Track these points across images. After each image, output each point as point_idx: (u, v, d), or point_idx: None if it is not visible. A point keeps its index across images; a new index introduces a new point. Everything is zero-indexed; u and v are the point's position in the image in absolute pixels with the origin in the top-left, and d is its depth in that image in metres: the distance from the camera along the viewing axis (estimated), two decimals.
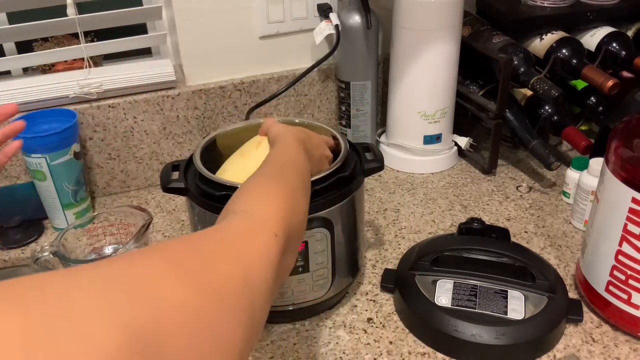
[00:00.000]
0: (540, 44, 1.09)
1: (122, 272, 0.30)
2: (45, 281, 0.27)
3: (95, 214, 0.85)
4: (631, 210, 0.66)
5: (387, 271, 0.82)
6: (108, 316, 0.26)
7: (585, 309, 0.76)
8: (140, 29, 1.08)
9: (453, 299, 0.73)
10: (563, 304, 0.73)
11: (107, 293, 0.28)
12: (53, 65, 1.04)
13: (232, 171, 0.77)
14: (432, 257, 0.78)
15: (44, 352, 0.23)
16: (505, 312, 0.71)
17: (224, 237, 0.40)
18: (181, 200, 1.03)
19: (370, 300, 0.80)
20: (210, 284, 0.34)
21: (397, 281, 0.79)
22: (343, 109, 1.13)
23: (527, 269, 0.75)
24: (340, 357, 0.71)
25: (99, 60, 1.06)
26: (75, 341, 0.24)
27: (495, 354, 0.69)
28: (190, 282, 0.33)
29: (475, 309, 0.71)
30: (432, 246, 0.80)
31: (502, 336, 0.68)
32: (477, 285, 0.74)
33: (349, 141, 0.76)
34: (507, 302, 0.72)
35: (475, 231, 0.79)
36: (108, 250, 0.84)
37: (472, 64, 1.07)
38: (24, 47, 1.02)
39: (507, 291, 0.73)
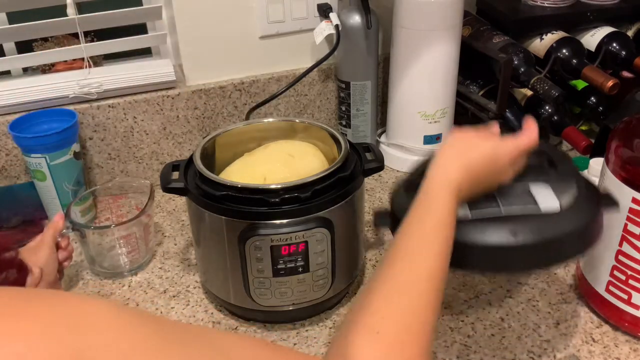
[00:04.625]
0: (540, 44, 1.09)
1: None
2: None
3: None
4: (631, 210, 0.66)
5: (378, 212, 0.68)
6: None
7: (585, 309, 0.76)
8: (140, 29, 1.08)
9: (471, 210, 0.59)
10: (592, 187, 0.62)
11: None
12: (53, 65, 1.04)
13: (237, 169, 0.77)
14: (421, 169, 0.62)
15: None
16: (537, 203, 0.58)
17: None
18: (181, 200, 1.03)
19: None
20: None
21: (394, 215, 0.64)
22: (343, 109, 1.13)
23: (543, 154, 0.63)
24: None
25: (99, 60, 1.06)
26: None
27: (542, 252, 0.57)
28: None
29: (502, 211, 0.58)
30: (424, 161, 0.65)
31: (545, 230, 0.56)
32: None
33: (349, 141, 0.76)
34: (534, 198, 0.59)
35: None
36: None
37: (472, 64, 1.07)
38: (24, 47, 1.02)
39: (528, 186, 0.60)
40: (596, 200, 0.61)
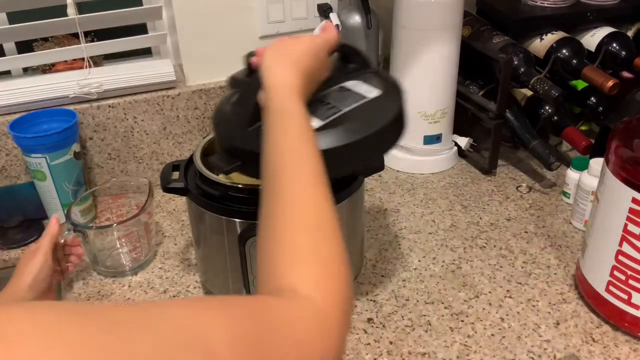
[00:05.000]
0: (540, 44, 1.09)
1: (182, 323, 0.33)
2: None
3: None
4: (631, 210, 0.66)
5: (216, 157, 0.64)
6: (161, 356, 0.30)
7: (585, 309, 0.76)
8: (140, 29, 1.08)
9: (319, 118, 0.61)
10: (381, 71, 0.71)
11: (165, 336, 0.32)
12: (53, 65, 1.04)
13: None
14: (253, 102, 0.59)
15: None
16: (366, 96, 0.63)
17: (290, 321, 0.39)
18: (181, 200, 1.03)
19: (370, 300, 0.80)
20: (266, 358, 0.35)
21: (239, 151, 0.62)
22: None
23: (340, 53, 0.68)
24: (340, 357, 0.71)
25: (99, 60, 1.06)
26: None
27: (394, 128, 0.64)
28: (247, 348, 0.34)
29: (342, 110, 0.62)
30: (246, 92, 0.62)
31: (390, 108, 0.63)
32: (318, 100, 0.63)
33: None
34: (355, 91, 0.64)
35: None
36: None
37: (472, 64, 1.07)
38: (24, 47, 1.02)
39: (344, 87, 0.65)
40: (387, 78, 0.69)
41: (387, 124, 0.62)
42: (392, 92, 0.65)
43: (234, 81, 0.66)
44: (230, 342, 0.33)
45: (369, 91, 0.64)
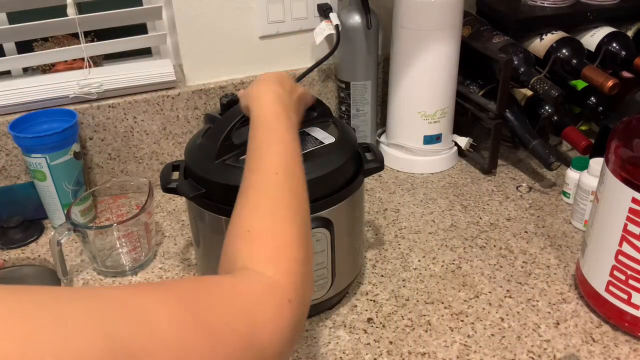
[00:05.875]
0: (540, 44, 1.09)
1: (120, 296, 0.34)
2: (51, 292, 0.31)
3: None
4: (631, 210, 0.66)
5: (184, 184, 0.70)
6: (92, 325, 0.30)
7: (585, 309, 0.76)
8: (140, 29, 1.08)
9: None
10: (337, 120, 0.79)
11: (98, 308, 0.32)
12: (53, 65, 1.04)
13: None
14: (224, 136, 0.68)
15: (35, 343, 0.27)
16: (323, 142, 0.73)
17: (236, 293, 0.40)
18: (181, 200, 1.03)
19: (370, 300, 0.80)
20: (210, 328, 0.35)
21: (204, 180, 0.68)
22: (343, 109, 1.13)
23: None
24: (340, 357, 0.71)
25: (99, 60, 1.06)
26: (61, 339, 0.28)
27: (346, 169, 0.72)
28: (189, 319, 0.34)
29: (303, 151, 0.69)
30: (218, 129, 0.70)
31: (338, 155, 0.70)
32: None
33: None
34: (314, 137, 0.74)
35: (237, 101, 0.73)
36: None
37: (472, 64, 1.07)
38: (24, 47, 1.02)
39: (304, 131, 0.75)
40: (344, 126, 0.78)
41: (337, 167, 0.69)
42: (345, 141, 0.74)
43: (208, 117, 0.76)
44: (173, 314, 0.34)
45: (325, 138, 0.74)
